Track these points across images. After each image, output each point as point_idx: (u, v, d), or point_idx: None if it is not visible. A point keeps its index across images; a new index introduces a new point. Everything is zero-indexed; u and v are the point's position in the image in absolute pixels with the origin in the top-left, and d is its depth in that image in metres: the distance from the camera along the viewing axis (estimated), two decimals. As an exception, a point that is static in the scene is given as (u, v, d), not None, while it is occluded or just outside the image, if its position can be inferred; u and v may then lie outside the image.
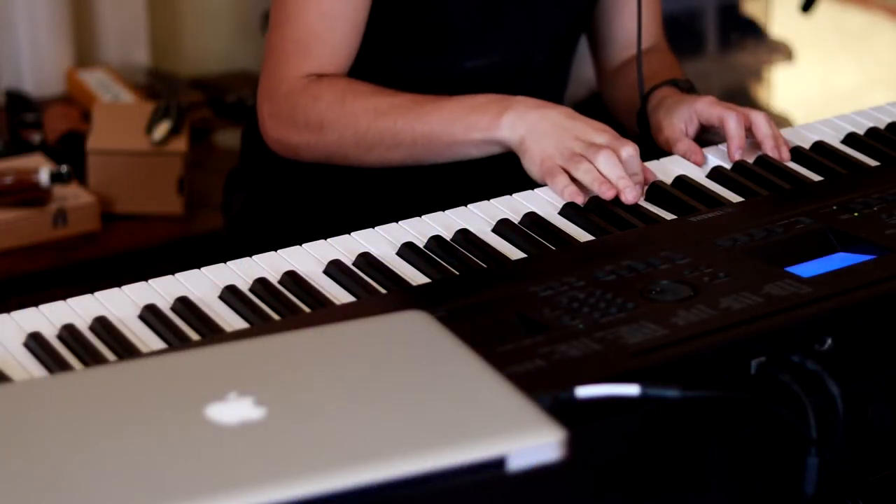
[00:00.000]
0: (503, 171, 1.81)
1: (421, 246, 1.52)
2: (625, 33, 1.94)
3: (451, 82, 1.81)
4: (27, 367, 1.31)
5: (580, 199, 1.60)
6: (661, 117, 1.79)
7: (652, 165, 1.69)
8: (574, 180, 1.63)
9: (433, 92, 1.75)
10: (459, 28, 1.81)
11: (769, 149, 1.71)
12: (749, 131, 1.73)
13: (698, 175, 1.69)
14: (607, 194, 1.60)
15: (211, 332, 1.36)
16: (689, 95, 1.81)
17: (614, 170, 1.61)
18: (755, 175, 1.68)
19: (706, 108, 1.74)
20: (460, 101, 1.71)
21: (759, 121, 1.73)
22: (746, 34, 3.75)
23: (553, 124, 1.66)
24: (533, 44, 1.86)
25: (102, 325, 1.36)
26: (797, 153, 1.73)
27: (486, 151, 1.71)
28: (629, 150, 1.63)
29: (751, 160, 1.71)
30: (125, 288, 1.43)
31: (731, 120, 1.71)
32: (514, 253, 1.52)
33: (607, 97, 1.99)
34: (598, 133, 1.65)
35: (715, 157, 1.73)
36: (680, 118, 1.76)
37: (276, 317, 1.39)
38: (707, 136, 1.78)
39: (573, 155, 1.63)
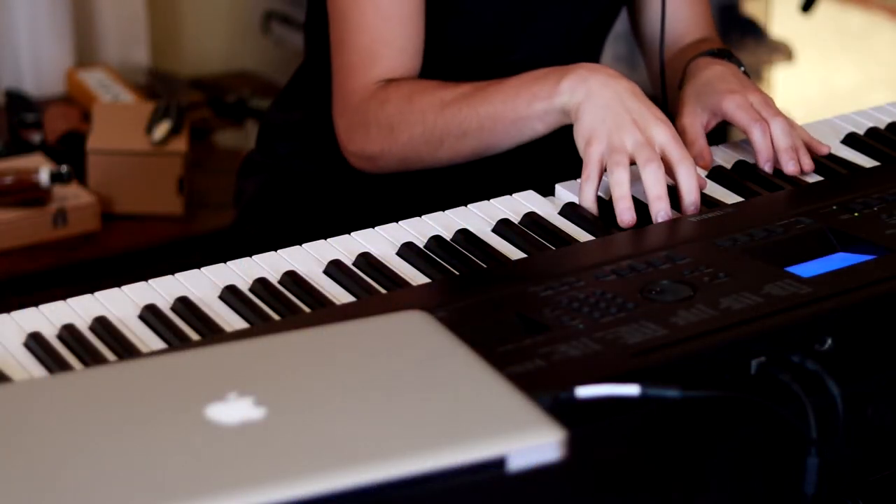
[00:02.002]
0: (503, 172, 1.80)
1: (421, 246, 1.52)
2: (669, 31, 1.93)
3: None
4: (27, 367, 1.31)
5: (594, 210, 1.57)
6: (687, 98, 1.75)
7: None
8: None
9: None
10: (490, 26, 1.80)
11: (784, 163, 1.68)
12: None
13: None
14: (626, 221, 1.55)
15: (211, 332, 1.36)
16: (724, 78, 1.76)
17: (655, 188, 1.54)
18: (755, 175, 1.68)
19: (732, 111, 1.70)
20: (522, 77, 1.66)
21: (777, 133, 1.70)
22: (746, 34, 3.74)
23: (615, 95, 1.58)
24: (546, 44, 1.85)
25: (102, 325, 1.36)
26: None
27: (551, 123, 1.64)
28: (688, 170, 1.57)
29: (752, 161, 1.71)
30: (125, 288, 1.43)
31: (755, 133, 1.68)
32: (514, 253, 1.51)
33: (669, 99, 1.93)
34: (657, 124, 1.58)
35: (715, 157, 1.73)
36: (705, 107, 1.73)
37: (276, 317, 1.39)
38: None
39: (621, 150, 1.56)
